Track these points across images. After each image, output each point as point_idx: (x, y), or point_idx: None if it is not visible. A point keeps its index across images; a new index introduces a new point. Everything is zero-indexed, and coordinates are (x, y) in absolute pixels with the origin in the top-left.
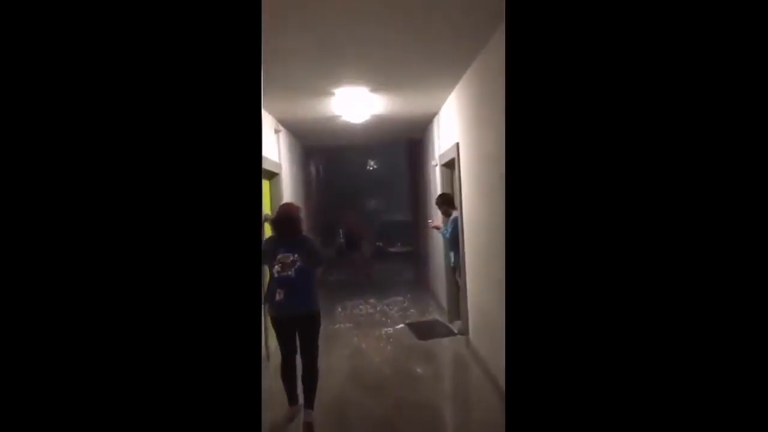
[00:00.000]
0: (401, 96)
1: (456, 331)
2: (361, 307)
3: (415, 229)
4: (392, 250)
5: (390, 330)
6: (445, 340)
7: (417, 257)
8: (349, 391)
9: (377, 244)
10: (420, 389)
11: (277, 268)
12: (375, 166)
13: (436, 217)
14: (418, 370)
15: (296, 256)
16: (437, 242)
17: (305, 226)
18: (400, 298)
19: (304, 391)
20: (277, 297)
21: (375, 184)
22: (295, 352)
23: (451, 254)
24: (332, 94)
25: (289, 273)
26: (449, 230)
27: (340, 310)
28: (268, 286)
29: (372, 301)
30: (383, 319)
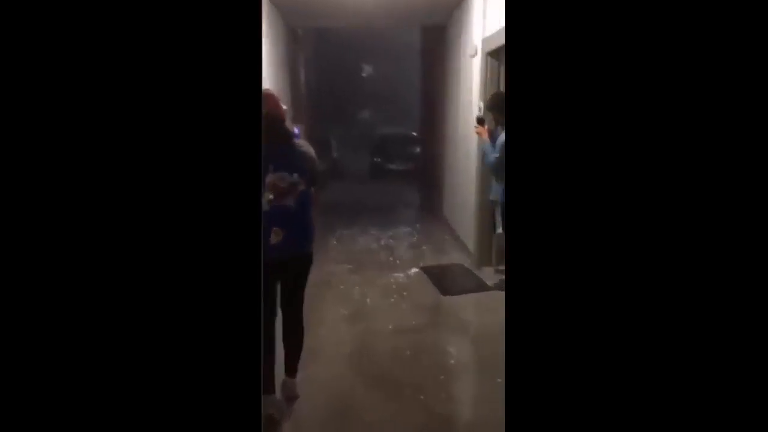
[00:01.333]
0: None
1: (491, 285)
2: (359, 239)
3: (426, 144)
4: (391, 167)
5: (401, 276)
6: (478, 297)
7: (425, 178)
8: (351, 389)
9: (374, 159)
10: (458, 388)
11: (269, 195)
12: (371, 72)
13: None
14: (450, 349)
15: (295, 176)
16: (455, 162)
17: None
18: (407, 229)
19: (288, 356)
20: (273, 239)
21: (373, 90)
22: (276, 315)
23: (494, 184)
24: None
25: (288, 202)
26: (497, 150)
27: (334, 242)
28: None
29: (373, 232)
30: (390, 258)
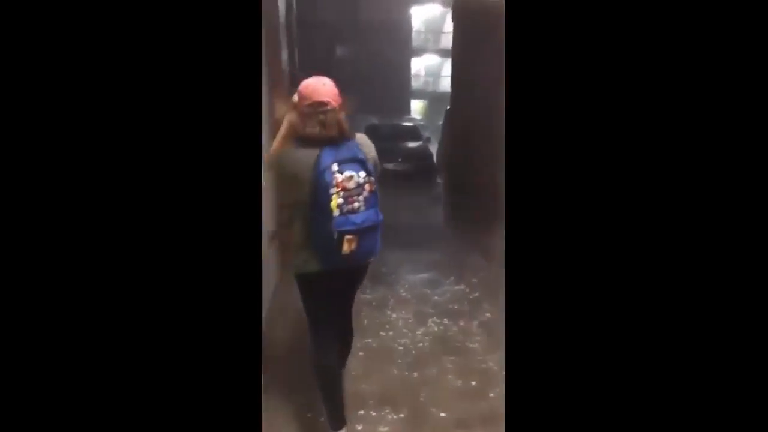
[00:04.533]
0: None
1: None
2: (387, 314)
3: (450, 134)
4: (390, 166)
5: None
6: None
7: (455, 185)
8: None
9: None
10: None
11: (338, 200)
12: (346, 53)
13: None
14: None
15: (363, 174)
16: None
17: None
18: (460, 287)
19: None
20: (345, 248)
21: (363, 68)
22: (334, 332)
23: None
24: None
25: (357, 204)
26: None
27: None
28: (313, 227)
29: (404, 294)
30: (459, 383)
